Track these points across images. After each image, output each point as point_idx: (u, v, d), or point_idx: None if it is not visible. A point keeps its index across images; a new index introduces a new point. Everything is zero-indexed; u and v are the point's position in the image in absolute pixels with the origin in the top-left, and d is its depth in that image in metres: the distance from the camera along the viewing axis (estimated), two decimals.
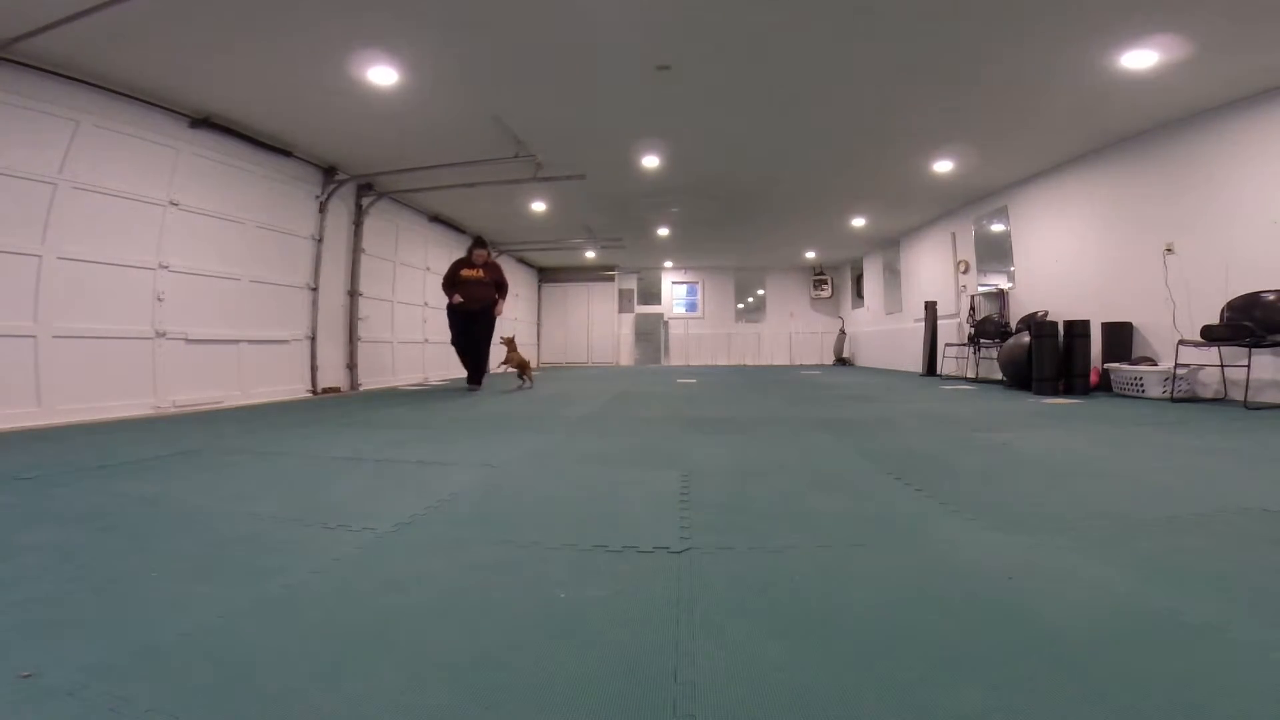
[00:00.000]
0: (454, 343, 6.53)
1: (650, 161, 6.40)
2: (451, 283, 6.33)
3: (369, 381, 7.04)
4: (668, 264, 14.35)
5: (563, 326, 14.83)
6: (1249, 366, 4.29)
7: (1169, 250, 5.18)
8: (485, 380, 6.74)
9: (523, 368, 6.64)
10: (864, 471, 2.34)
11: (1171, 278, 5.14)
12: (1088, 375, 5.57)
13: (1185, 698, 0.81)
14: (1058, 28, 3.64)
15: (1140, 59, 3.98)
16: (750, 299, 15.41)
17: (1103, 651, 0.94)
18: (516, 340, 6.94)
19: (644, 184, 7.24)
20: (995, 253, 7.89)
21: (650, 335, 14.87)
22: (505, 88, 4.54)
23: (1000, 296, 7.51)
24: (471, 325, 6.40)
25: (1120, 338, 5.59)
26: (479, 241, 6.56)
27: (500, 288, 6.52)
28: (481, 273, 6.38)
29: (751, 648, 0.98)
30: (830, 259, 13.66)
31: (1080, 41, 3.81)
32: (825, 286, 14.49)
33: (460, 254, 6.96)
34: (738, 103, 4.89)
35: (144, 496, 1.99)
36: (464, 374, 6.74)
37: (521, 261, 13.26)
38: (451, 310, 6.34)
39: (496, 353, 6.86)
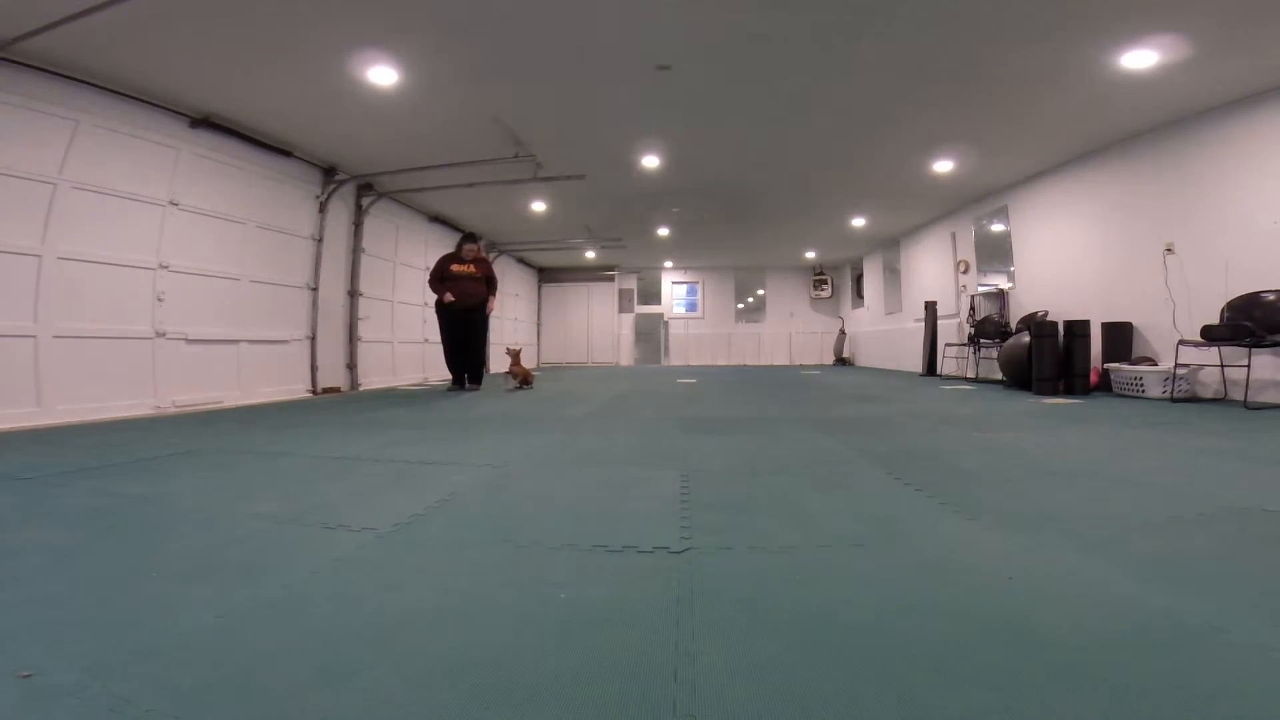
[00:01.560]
0: (447, 343, 6.31)
1: (650, 161, 6.39)
2: (440, 278, 6.15)
3: (369, 381, 7.04)
4: (668, 264, 14.35)
5: (563, 326, 14.82)
6: (1249, 366, 4.29)
7: (1169, 250, 5.18)
8: (485, 380, 6.68)
9: (525, 379, 6.63)
10: (864, 471, 2.34)
11: (1171, 278, 5.14)
12: (1088, 375, 5.57)
13: (1185, 698, 0.81)
14: (1058, 28, 3.64)
15: (1140, 59, 3.98)
16: (750, 299, 15.40)
17: (1103, 652, 0.94)
18: (520, 352, 6.90)
19: (644, 184, 7.23)
20: (995, 253, 7.89)
21: (650, 335, 14.86)
22: (505, 88, 4.54)
23: (1000, 296, 7.51)
24: (468, 326, 6.27)
25: (1120, 338, 5.59)
26: (469, 236, 6.42)
27: (491, 283, 6.39)
28: (473, 268, 6.22)
29: (751, 648, 0.98)
30: (830, 259, 13.66)
31: (1081, 42, 3.81)
32: (825, 286, 14.48)
33: None
34: (738, 103, 4.89)
35: (144, 496, 1.99)
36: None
37: (521, 261, 13.26)
38: (443, 310, 6.15)
39: (495, 352, 6.81)
